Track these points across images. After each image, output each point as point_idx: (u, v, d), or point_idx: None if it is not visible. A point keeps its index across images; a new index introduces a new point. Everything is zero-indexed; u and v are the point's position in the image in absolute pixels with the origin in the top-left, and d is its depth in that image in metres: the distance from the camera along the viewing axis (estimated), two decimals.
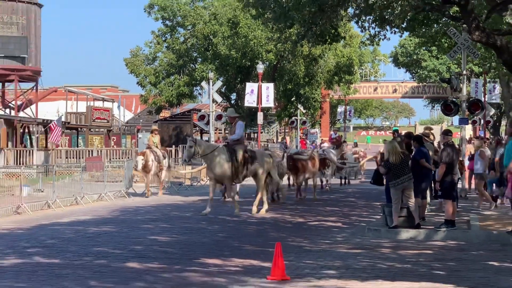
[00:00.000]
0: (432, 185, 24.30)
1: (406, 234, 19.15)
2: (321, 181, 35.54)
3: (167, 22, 60.80)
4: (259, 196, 25.24)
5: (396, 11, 27.19)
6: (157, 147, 33.50)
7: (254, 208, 24.87)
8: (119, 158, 46.78)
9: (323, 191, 34.94)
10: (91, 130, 62.32)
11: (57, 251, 16.46)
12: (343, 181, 39.93)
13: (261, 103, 49.28)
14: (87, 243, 17.90)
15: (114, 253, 16.19)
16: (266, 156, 26.25)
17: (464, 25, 24.90)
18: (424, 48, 72.20)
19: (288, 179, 32.96)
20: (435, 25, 33.42)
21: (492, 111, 58.90)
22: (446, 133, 21.67)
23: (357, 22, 29.04)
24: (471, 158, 30.33)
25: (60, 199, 27.87)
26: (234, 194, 26.64)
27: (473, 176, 31.80)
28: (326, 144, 44.34)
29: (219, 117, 45.88)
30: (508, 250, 16.69)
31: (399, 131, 27.75)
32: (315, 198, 30.55)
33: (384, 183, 21.41)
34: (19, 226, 21.62)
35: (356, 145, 55.22)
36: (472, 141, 37.83)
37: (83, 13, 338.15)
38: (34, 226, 21.49)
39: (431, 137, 26.27)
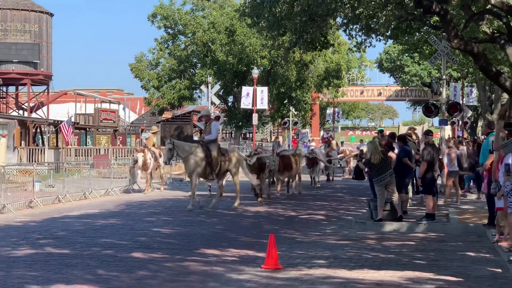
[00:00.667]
0: (414, 181, 24.45)
1: (390, 226, 19.20)
2: (311, 178, 35.44)
3: (169, 30, 60.73)
4: (237, 190, 25.20)
5: (381, 21, 27.20)
6: (154, 146, 32.92)
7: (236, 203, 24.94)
8: (124, 156, 46.70)
9: (313, 187, 34.60)
10: (99, 130, 62.23)
11: (67, 242, 16.47)
12: (330, 177, 39.68)
13: (256, 105, 49.31)
14: (95, 234, 17.91)
15: (120, 244, 16.21)
16: (236, 154, 26.25)
17: (444, 34, 24.89)
18: (407, 54, 72.08)
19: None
20: (417, 34, 33.37)
21: (470, 113, 58.97)
22: (427, 133, 21.77)
23: (345, 31, 29.06)
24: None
25: (69, 194, 27.83)
26: (216, 191, 26.30)
27: None
28: (313, 144, 44.22)
29: (217, 118, 45.81)
30: (483, 242, 16.73)
31: (384, 131, 27.70)
32: (300, 192, 30.51)
33: (366, 178, 21.50)
34: (32, 219, 21.62)
35: (342, 144, 55.24)
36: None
37: (91, 21, 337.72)
38: (45, 219, 21.48)
39: (414, 136, 26.34)
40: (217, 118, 45.77)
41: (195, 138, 62.64)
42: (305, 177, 34.33)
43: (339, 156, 41.91)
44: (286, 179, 30.34)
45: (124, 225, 19.92)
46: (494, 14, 22.65)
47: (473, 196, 27.21)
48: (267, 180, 28.03)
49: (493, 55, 34.08)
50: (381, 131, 28.07)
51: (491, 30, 25.11)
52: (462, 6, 24.54)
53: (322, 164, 35.52)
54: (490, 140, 17.72)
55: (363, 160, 21.16)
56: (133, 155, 36.67)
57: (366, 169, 20.42)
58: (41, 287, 11.59)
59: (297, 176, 30.66)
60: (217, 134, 26.12)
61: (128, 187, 32.16)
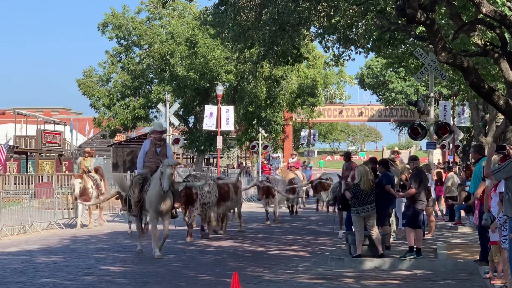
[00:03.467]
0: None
1: (370, 263, 19.26)
2: (266, 212, 34.16)
3: (122, 41, 60.69)
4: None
5: (361, 31, 27.47)
6: (90, 172, 31.58)
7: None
8: (70, 184, 46.44)
9: (272, 222, 32.78)
10: (42, 154, 61.88)
11: (2, 282, 16.35)
12: (294, 209, 38.29)
13: (220, 127, 49.30)
14: (35, 273, 17.80)
15: (63, 284, 16.13)
16: None
17: (431, 46, 25.16)
18: (391, 69, 72.75)
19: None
20: (401, 46, 33.68)
21: (461, 135, 59.46)
22: (414, 158, 21.87)
23: (320, 42, 29.30)
24: (437, 183, 30.67)
25: (7, 228, 27.63)
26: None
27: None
28: (277, 172, 41.86)
29: (176, 141, 45.87)
30: (475, 280, 16.84)
31: (351, 155, 27.35)
32: (241, 230, 28.89)
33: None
34: None
35: (310, 168, 55.36)
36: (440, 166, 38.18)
37: (33, 32, 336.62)
38: None
39: (398, 162, 26.47)
40: (176, 140, 45.94)
41: None
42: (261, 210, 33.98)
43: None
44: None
45: (69, 263, 19.83)
46: (486, 24, 22.93)
47: (465, 229, 27.38)
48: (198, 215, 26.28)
49: (486, 70, 34.49)
50: (347, 155, 27.69)
51: (483, 42, 25.42)
52: (451, 15, 24.85)
53: (279, 195, 33.25)
54: (482, 166, 17.87)
55: (350, 185, 21.11)
56: (70, 183, 35.51)
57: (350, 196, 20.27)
58: None
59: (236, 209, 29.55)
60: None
61: (73, 220, 31.94)
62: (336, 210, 27.94)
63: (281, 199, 34.02)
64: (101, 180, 31.71)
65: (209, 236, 26.29)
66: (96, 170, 32.27)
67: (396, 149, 32.31)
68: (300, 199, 40.97)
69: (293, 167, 40.74)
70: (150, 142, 22.11)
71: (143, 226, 24.13)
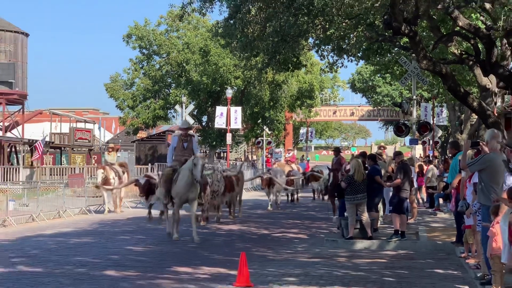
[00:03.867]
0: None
1: (361, 244, 19.27)
2: (287, 195, 34.28)
3: (143, 50, 60.63)
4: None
5: (352, 42, 27.44)
6: (113, 164, 31.35)
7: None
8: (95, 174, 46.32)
9: (270, 211, 32.27)
10: (74, 149, 61.87)
11: (40, 260, 16.38)
12: (293, 197, 38.12)
13: (229, 125, 49.37)
14: (68, 253, 17.82)
15: (93, 262, 16.14)
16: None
17: (414, 55, 25.11)
18: (378, 75, 72.72)
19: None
20: (388, 55, 33.66)
21: (440, 133, 59.37)
22: (399, 153, 21.81)
23: (317, 51, 29.26)
24: (419, 175, 30.62)
25: (43, 213, 27.67)
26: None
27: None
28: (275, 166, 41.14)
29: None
30: (452, 259, 16.83)
31: (340, 150, 27.06)
32: (240, 215, 28.54)
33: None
34: (5, 238, 21.46)
35: (308, 162, 55.26)
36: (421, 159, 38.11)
37: (67, 41, 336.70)
38: (19, 238, 21.35)
39: (384, 156, 26.43)
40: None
41: None
42: (265, 198, 33.91)
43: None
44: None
45: (97, 244, 19.85)
46: (462, 36, 22.88)
47: (443, 214, 27.35)
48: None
49: (461, 76, 34.44)
50: (337, 150, 27.39)
51: (459, 51, 25.38)
52: (431, 28, 24.83)
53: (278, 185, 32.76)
54: (458, 159, 17.85)
55: (344, 176, 21.07)
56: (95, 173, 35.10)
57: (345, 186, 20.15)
58: None
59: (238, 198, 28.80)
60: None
61: (101, 206, 31.95)
62: (325, 198, 27.82)
63: (279, 189, 33.48)
64: (124, 173, 31.44)
65: (209, 220, 25.70)
66: (122, 165, 32.23)
67: (382, 144, 32.23)
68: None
69: (289, 161, 40.47)
70: (177, 138, 21.57)
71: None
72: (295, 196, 38.37)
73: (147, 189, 26.12)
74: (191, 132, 22.44)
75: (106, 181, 30.42)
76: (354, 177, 19.65)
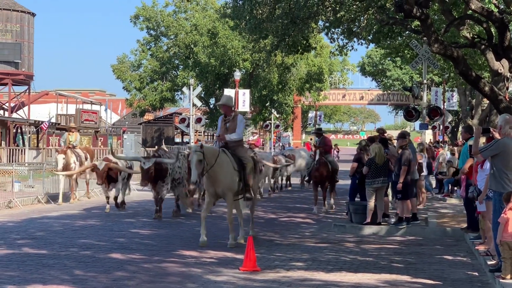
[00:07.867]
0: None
1: (369, 230, 19.22)
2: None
3: (151, 31, 60.69)
4: None
5: (363, 24, 27.38)
6: (74, 147, 28.80)
7: None
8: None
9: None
10: (80, 131, 61.98)
11: (45, 242, 16.40)
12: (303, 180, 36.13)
13: (237, 108, 49.30)
14: (73, 235, 17.85)
15: (98, 244, 16.15)
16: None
17: (425, 38, 25.01)
18: (388, 58, 72.55)
19: None
20: (398, 38, 33.55)
21: (450, 118, 59.22)
22: (402, 136, 20.62)
23: (327, 34, 29.18)
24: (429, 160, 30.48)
25: (49, 195, 27.70)
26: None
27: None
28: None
29: (198, 120, 45.83)
30: (461, 245, 16.80)
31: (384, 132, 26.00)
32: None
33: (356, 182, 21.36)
34: (10, 219, 21.50)
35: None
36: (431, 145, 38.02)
37: (74, 22, 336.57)
38: (24, 220, 21.38)
39: (393, 141, 26.25)
40: (199, 120, 45.90)
41: (177, 140, 62.70)
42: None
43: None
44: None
45: (103, 226, 19.88)
46: (475, 19, 22.78)
47: (452, 200, 27.28)
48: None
49: (473, 60, 34.32)
50: (318, 131, 26.59)
51: (471, 35, 25.28)
52: (443, 11, 24.68)
53: (267, 171, 29.60)
54: (469, 145, 17.76)
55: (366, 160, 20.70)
56: (54, 158, 32.20)
57: (367, 170, 19.76)
58: (17, 287, 11.52)
59: None
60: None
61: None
62: (308, 185, 26.88)
63: (267, 173, 30.85)
64: (86, 158, 29.04)
65: (180, 213, 23.24)
66: (87, 150, 30.36)
67: (383, 127, 31.72)
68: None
69: (253, 145, 37.62)
70: (221, 120, 17.83)
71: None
72: (288, 182, 36.77)
73: (107, 176, 23.57)
74: (234, 110, 18.32)
75: (66, 166, 27.49)
76: (375, 160, 19.47)
